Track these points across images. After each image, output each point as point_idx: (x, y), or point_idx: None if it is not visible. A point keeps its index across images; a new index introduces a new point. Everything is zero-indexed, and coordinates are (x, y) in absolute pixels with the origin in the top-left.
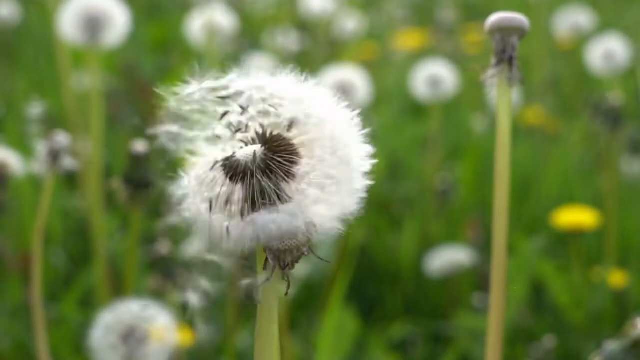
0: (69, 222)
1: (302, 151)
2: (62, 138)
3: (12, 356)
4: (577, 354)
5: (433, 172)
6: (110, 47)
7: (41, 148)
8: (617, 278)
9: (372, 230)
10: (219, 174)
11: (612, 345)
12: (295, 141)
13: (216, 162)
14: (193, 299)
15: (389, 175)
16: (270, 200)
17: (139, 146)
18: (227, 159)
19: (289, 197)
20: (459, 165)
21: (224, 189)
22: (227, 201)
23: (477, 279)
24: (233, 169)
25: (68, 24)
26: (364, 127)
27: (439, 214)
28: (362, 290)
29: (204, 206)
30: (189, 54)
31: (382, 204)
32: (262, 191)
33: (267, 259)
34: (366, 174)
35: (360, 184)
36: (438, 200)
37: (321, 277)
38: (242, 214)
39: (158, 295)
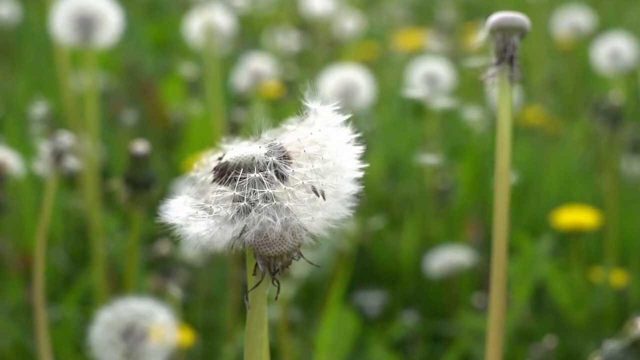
0: (69, 222)
1: (293, 156)
2: (65, 138)
3: (12, 356)
4: (578, 354)
5: (433, 172)
6: (104, 47)
7: (44, 148)
8: (617, 278)
9: (372, 230)
10: (209, 176)
11: (612, 345)
12: (287, 146)
13: (207, 165)
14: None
15: (389, 175)
16: (258, 203)
17: (139, 146)
18: (217, 160)
19: (279, 200)
20: (459, 165)
21: (213, 191)
22: (215, 203)
23: (477, 279)
24: (221, 171)
25: (60, 25)
26: (357, 131)
27: (439, 214)
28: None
29: (192, 209)
30: (189, 54)
31: (382, 204)
32: (251, 193)
33: (256, 265)
34: (358, 179)
35: (351, 189)
36: (438, 200)
37: (321, 277)
38: (229, 216)
39: (158, 295)
